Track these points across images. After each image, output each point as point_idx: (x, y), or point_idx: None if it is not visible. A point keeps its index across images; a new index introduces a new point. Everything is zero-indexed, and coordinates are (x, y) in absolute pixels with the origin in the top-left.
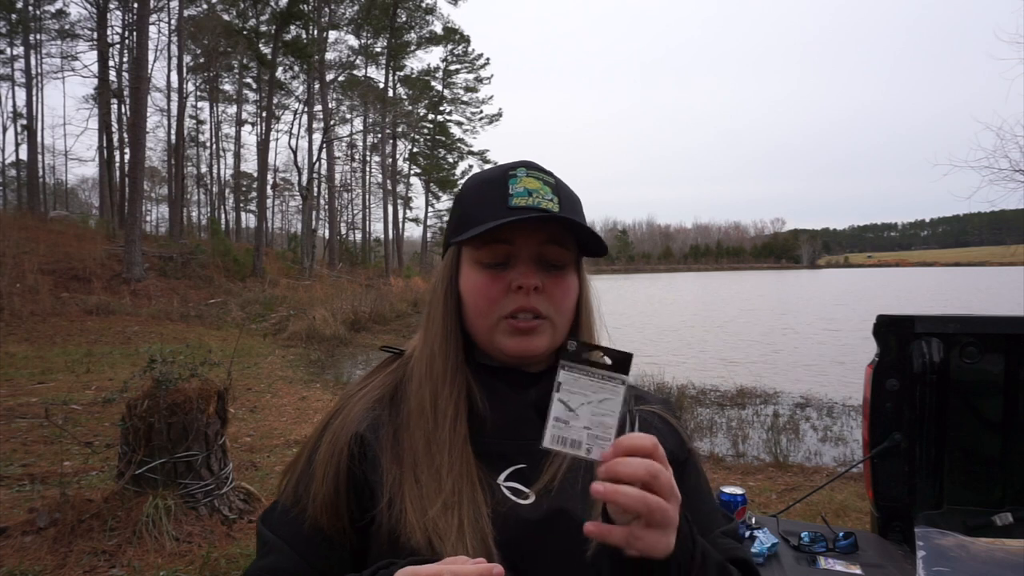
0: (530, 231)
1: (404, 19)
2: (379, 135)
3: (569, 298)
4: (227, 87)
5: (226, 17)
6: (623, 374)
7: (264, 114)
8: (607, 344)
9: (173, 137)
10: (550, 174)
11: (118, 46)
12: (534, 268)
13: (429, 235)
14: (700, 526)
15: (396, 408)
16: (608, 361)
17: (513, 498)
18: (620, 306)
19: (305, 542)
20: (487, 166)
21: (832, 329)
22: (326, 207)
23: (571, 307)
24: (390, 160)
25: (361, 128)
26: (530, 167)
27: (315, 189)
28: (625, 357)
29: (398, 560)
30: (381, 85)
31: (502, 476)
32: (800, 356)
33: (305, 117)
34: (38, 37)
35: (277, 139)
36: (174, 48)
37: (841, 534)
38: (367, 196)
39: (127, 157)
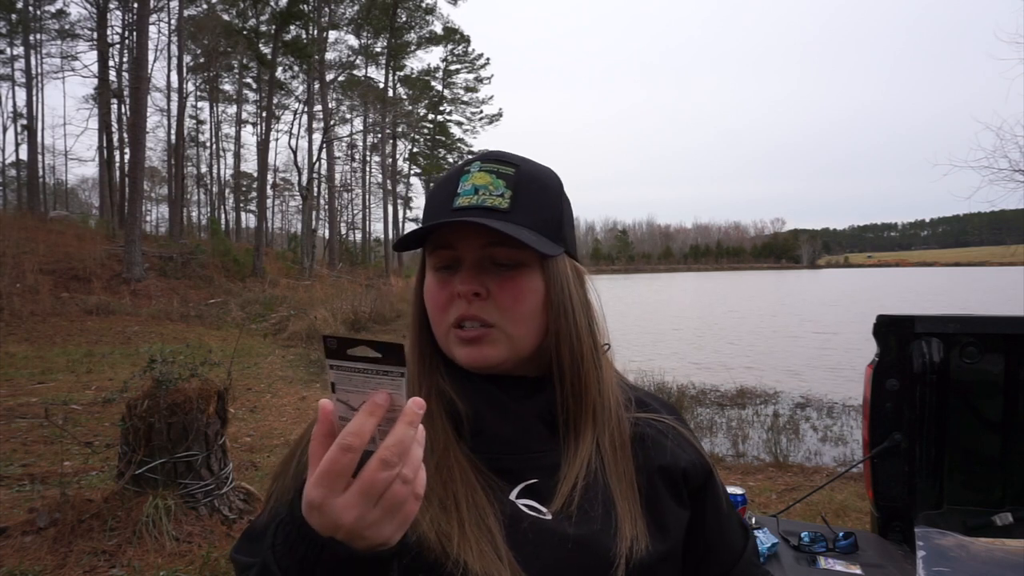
0: (469, 234)
1: (404, 19)
2: (379, 135)
3: (523, 301)
4: (227, 87)
5: (226, 17)
6: (398, 365)
7: (264, 114)
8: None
9: (173, 137)
10: (511, 164)
11: (118, 46)
12: (474, 273)
13: None
14: (727, 552)
15: None
16: (376, 355)
17: (532, 514)
18: (619, 307)
19: None
20: None
21: (822, 333)
22: (326, 207)
23: (529, 310)
24: (390, 160)
25: (361, 128)
26: (487, 159)
27: (315, 189)
28: (393, 347)
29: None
30: (381, 85)
31: (514, 493)
32: (800, 357)
33: (305, 117)
34: (38, 37)
35: (277, 139)
36: (174, 48)
37: (841, 534)
38: (367, 196)
39: (127, 157)
